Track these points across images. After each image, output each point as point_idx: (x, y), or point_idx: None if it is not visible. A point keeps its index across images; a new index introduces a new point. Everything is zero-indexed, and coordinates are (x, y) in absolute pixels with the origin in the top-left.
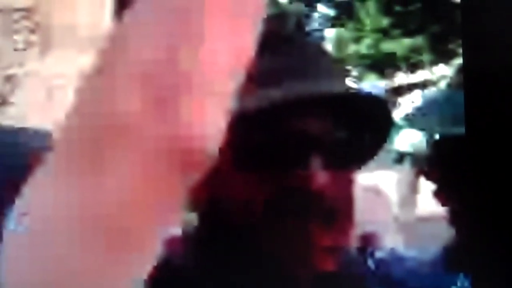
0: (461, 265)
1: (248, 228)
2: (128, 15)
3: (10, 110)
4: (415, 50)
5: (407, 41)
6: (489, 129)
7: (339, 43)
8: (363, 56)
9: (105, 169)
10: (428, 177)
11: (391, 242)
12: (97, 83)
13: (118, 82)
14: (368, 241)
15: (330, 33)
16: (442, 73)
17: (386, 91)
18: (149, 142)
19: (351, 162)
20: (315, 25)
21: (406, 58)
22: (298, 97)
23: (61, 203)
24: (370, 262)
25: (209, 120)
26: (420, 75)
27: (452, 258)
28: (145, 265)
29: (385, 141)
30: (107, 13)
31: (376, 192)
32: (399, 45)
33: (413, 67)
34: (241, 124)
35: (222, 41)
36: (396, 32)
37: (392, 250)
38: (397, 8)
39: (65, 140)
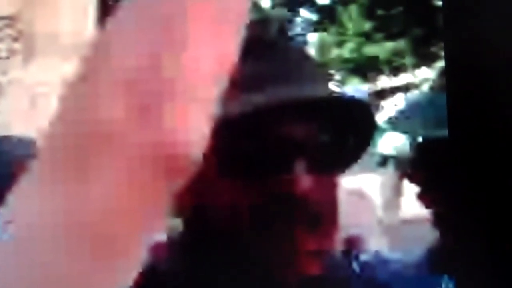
0: (445, 267)
1: (233, 233)
2: (111, 22)
3: None
4: (397, 53)
5: (389, 45)
6: (472, 131)
7: (322, 47)
8: (346, 60)
9: (89, 176)
10: (412, 180)
11: (376, 245)
12: (80, 91)
13: (101, 89)
14: (352, 244)
15: (312, 38)
16: (425, 76)
17: (369, 94)
18: (133, 148)
19: (335, 166)
20: (297, 29)
21: (388, 62)
22: (281, 101)
23: (46, 211)
24: (355, 265)
25: (192, 126)
26: (402, 78)
27: (436, 260)
28: (131, 272)
29: (369, 145)
30: (90, 21)
31: (360, 195)
32: (381, 49)
33: (396, 71)
34: (225, 130)
35: (205, 47)
36: (379, 36)
37: (377, 252)
38: (379, 12)
39: (49, 148)
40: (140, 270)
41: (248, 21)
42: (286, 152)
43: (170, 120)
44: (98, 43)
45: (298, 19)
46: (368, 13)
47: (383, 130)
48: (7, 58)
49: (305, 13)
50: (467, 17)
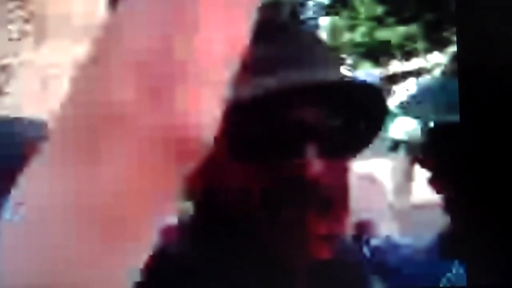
0: (456, 252)
1: (244, 217)
2: (122, 4)
3: (5, 100)
4: (409, 38)
5: (401, 29)
6: (483, 117)
7: (334, 31)
8: (357, 45)
9: (100, 158)
10: (423, 165)
11: (386, 229)
12: (91, 73)
13: (112, 71)
14: (363, 229)
15: (324, 22)
16: (437, 61)
17: (381, 79)
18: (144, 131)
19: (346, 150)
20: (309, 13)
21: (400, 46)
22: (293, 85)
23: (56, 193)
24: (366, 250)
25: (204, 109)
26: (414, 63)
27: (447, 245)
28: (141, 254)
29: (380, 129)
30: (102, 3)
31: (371, 180)
32: (393, 33)
33: (408, 55)
34: (236, 113)
35: (216, 30)
36: (391, 20)
37: (387, 237)
38: None
39: (60, 130)
40: (151, 253)
41: (259, 4)
42: (297, 136)
43: (181, 103)
44: (110, 25)
45: (310, 3)
46: None
47: (395, 115)
48: (19, 39)
49: None
50: (479, 2)
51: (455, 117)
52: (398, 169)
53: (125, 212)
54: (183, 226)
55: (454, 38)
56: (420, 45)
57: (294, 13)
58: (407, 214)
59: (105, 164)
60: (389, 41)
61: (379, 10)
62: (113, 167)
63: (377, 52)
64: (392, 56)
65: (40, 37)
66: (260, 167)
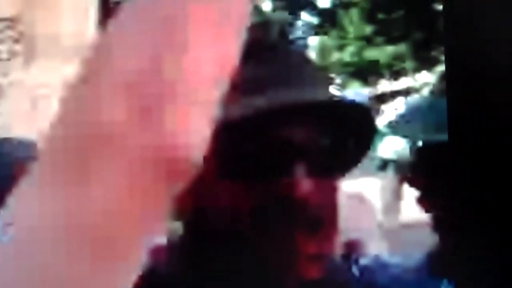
0: (445, 271)
1: (233, 236)
2: (112, 24)
3: None
4: (398, 57)
5: (390, 49)
6: (472, 136)
7: (323, 51)
8: (346, 64)
9: (90, 179)
10: (412, 184)
11: (376, 249)
12: (81, 93)
13: (102, 91)
14: (352, 248)
15: (313, 41)
16: (425, 80)
17: (370, 98)
18: (134, 151)
19: (335, 170)
20: (298, 33)
21: (389, 66)
22: (282, 105)
23: (46, 213)
24: (355, 269)
25: (193, 128)
26: (403, 83)
27: (436, 264)
28: (131, 275)
29: (369, 148)
30: (91, 23)
31: (360, 199)
32: (382, 53)
33: (396, 75)
34: (226, 133)
35: (206, 50)
36: (379, 39)
37: (377, 256)
38: (380, 15)
39: (50, 150)
40: (140, 273)
41: (249, 24)
42: (286, 156)
43: (171, 123)
44: (99, 45)
45: (299, 23)
46: (369, 17)
47: (383, 134)
48: (8, 59)
49: (306, 17)
50: (468, 22)
51: (443, 136)
52: (387, 188)
53: (115, 232)
54: (172, 246)
55: (443, 58)
56: (408, 64)
57: (283, 33)
58: (396, 233)
59: (95, 184)
60: (377, 61)
61: (368, 29)
62: (102, 187)
63: (366, 72)
64: (381, 76)
65: (30, 57)
66: (249, 186)
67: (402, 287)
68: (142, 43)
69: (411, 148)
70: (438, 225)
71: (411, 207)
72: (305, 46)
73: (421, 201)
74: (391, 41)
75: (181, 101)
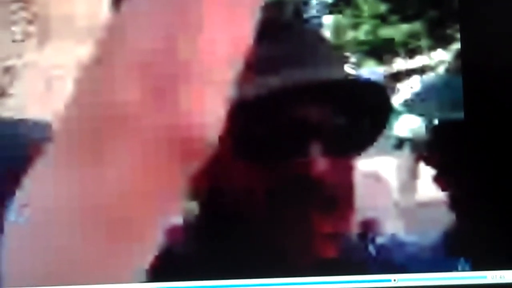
0: (461, 250)
1: (249, 216)
2: (126, 4)
3: (9, 102)
4: (413, 35)
5: (405, 27)
6: (487, 114)
7: (337, 29)
8: (361, 43)
9: (105, 159)
10: (428, 162)
11: (392, 227)
12: (95, 74)
13: (116, 72)
14: (368, 227)
15: (328, 20)
16: (441, 58)
17: (385, 77)
18: (149, 131)
19: (351, 149)
20: (313, 12)
21: (404, 44)
22: (296, 84)
23: (61, 194)
24: (371, 248)
25: (208, 108)
26: (418, 61)
27: (452, 242)
28: (146, 255)
29: (385, 127)
30: (105, 3)
31: (376, 178)
32: (397, 31)
33: (411, 53)
34: (240, 112)
35: (220, 30)
36: (394, 17)
37: (393, 235)
38: None
39: (64, 131)
40: (156, 253)
41: (263, 3)
42: (301, 135)
43: (185, 103)
44: (113, 26)
45: (313, 1)
46: None
47: (399, 113)
48: (22, 41)
49: None
50: None
51: (459, 115)
52: (403, 167)
53: (130, 213)
54: (188, 226)
55: (458, 35)
56: (423, 42)
57: (298, 12)
58: (412, 212)
59: (110, 165)
60: (392, 39)
61: (382, 8)
62: (117, 168)
63: (380, 50)
64: (396, 54)
65: (44, 38)
66: (264, 166)
67: (419, 265)
68: (156, 23)
69: (427, 127)
70: (454, 203)
71: (427, 186)
72: (320, 25)
73: (437, 179)
74: (406, 19)
75: (195, 81)
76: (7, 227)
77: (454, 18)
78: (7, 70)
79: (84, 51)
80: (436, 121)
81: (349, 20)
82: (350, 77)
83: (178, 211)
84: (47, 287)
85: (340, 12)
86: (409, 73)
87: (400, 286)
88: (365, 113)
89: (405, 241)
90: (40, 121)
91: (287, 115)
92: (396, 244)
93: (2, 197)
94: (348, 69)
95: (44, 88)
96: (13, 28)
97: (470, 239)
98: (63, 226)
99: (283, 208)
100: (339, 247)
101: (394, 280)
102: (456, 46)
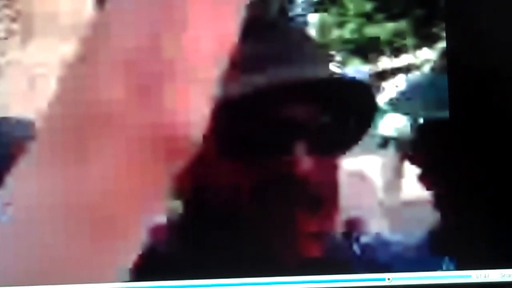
0: (446, 249)
1: (233, 215)
2: (110, 2)
3: None
4: (398, 34)
5: (390, 25)
6: (472, 113)
7: (323, 28)
8: (346, 41)
9: (88, 158)
10: (413, 161)
11: (376, 226)
12: (79, 72)
13: (100, 70)
14: (353, 226)
15: (313, 18)
16: (426, 57)
17: (370, 75)
18: (133, 130)
19: (336, 147)
20: (298, 10)
21: (389, 43)
22: (282, 82)
23: (45, 192)
24: (356, 247)
25: (193, 107)
26: (403, 60)
27: (437, 241)
28: (130, 254)
29: (370, 126)
30: (89, 1)
31: (361, 177)
32: (382, 30)
33: (397, 52)
34: (225, 111)
35: (205, 28)
36: (380, 16)
37: (378, 234)
38: None
39: (48, 129)
40: (140, 252)
41: (248, 1)
42: (286, 134)
43: (170, 101)
44: (97, 23)
45: (299, 0)
46: None
47: (384, 112)
48: (5, 39)
49: None
50: None
51: (444, 113)
52: (388, 166)
53: (114, 211)
54: (172, 225)
55: (444, 34)
56: (409, 41)
57: (283, 10)
58: (397, 211)
59: (94, 163)
60: (378, 38)
61: (368, 6)
62: (101, 166)
63: (366, 49)
64: (381, 53)
65: (27, 36)
66: (249, 165)
67: (403, 264)
68: (140, 21)
69: (412, 126)
70: (439, 202)
71: (412, 185)
72: (305, 23)
73: (422, 178)
74: (391, 17)
75: (180, 79)
76: None
77: (440, 17)
78: None
79: (68, 49)
80: (421, 120)
81: (335, 19)
82: (335, 76)
83: (162, 210)
84: (30, 286)
85: (325, 10)
86: (394, 72)
87: (394, 285)
88: (350, 112)
89: (390, 240)
90: (23, 119)
91: (272, 113)
92: (381, 243)
93: None
94: (333, 67)
95: (28, 86)
96: None
97: (454, 238)
98: (47, 224)
99: (268, 207)
100: (324, 246)
101: (388, 279)
102: (442, 45)
